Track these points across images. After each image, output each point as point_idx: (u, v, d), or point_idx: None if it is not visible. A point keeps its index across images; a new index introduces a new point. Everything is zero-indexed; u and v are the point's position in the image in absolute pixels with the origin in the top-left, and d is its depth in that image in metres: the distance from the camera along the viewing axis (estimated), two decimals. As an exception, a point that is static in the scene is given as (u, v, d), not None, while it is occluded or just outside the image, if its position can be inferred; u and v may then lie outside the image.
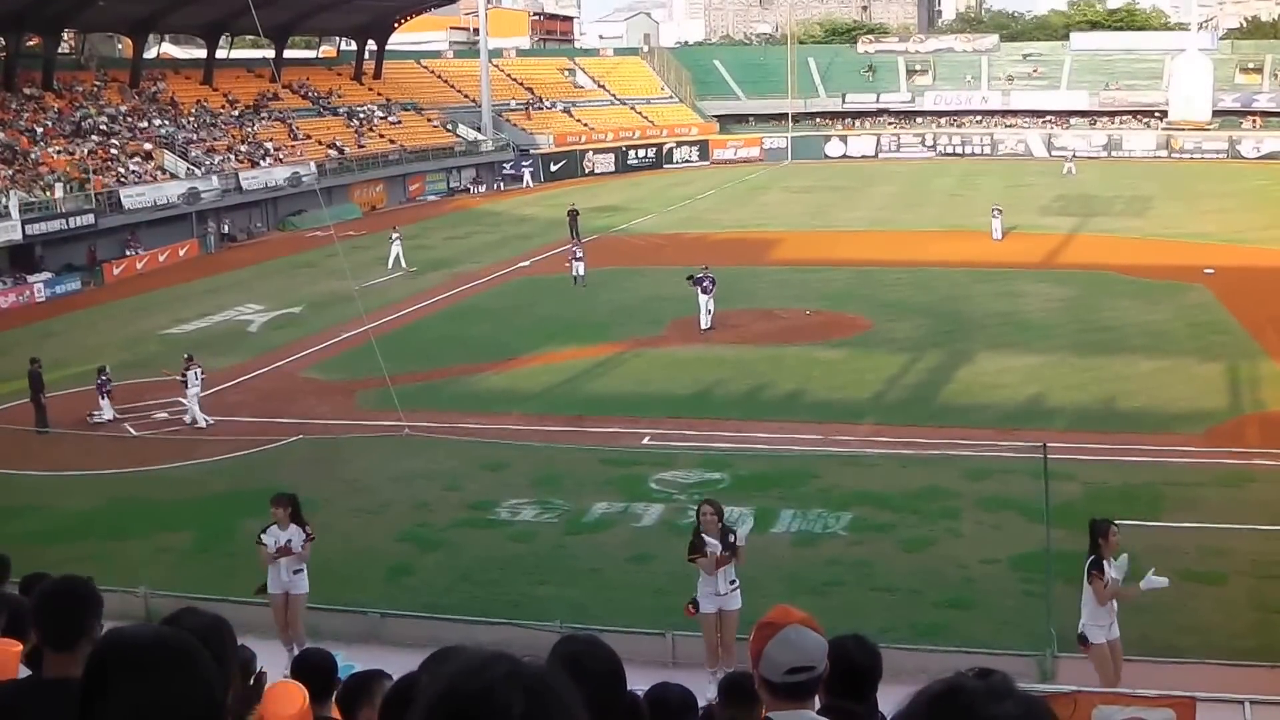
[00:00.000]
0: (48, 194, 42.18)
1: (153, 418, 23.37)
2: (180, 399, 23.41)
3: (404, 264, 40.51)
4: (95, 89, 54.16)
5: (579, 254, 37.06)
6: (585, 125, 77.06)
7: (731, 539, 11.46)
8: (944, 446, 19.99)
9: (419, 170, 64.56)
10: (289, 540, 12.16)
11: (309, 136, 59.79)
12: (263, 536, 12.32)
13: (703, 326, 29.22)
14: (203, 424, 22.80)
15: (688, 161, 77.77)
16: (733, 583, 11.47)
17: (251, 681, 4.63)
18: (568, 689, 1.72)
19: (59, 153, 45.91)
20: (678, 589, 11.87)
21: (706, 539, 11.44)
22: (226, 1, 51.72)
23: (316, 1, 60.54)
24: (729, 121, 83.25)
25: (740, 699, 4.88)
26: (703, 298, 29.29)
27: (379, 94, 69.76)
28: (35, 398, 23.14)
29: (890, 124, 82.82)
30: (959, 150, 78.92)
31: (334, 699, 5.11)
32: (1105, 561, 10.45)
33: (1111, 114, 79.20)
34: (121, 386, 24.28)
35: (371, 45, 70.61)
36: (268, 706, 4.47)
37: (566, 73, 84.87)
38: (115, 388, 23.72)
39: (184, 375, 23.04)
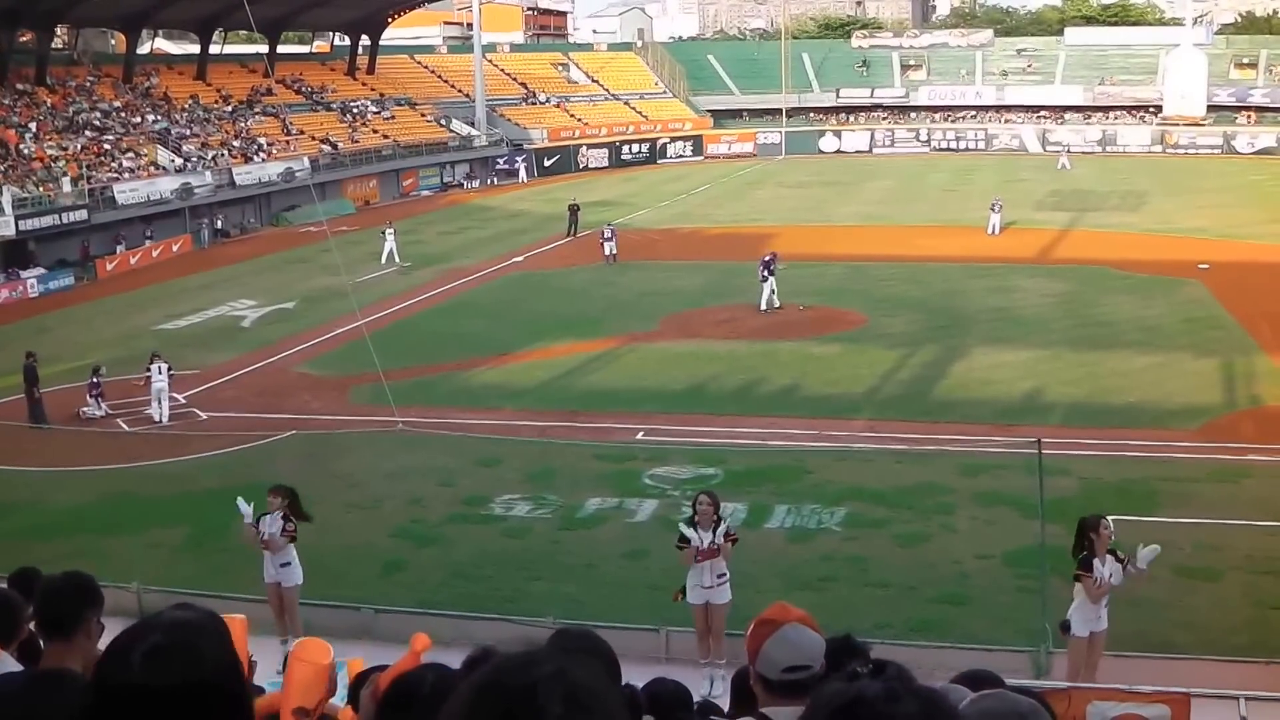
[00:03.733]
0: (41, 189, 42.03)
1: (144, 413, 23.30)
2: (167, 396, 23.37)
3: (397, 259, 40.43)
4: (88, 84, 53.98)
5: (607, 234, 39.24)
6: (579, 120, 76.99)
7: (722, 532, 11.33)
8: (938, 442, 19.98)
9: (412, 165, 64.47)
10: (270, 532, 12.21)
11: (302, 132, 59.66)
12: (260, 521, 12.33)
13: (763, 308, 30.26)
14: (157, 418, 22.85)
15: (681, 156, 77.72)
16: (720, 576, 11.32)
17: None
18: (610, 690, 1.69)
19: (53, 149, 45.76)
20: (671, 584, 11.83)
21: (695, 530, 11.28)
22: (220, -4, 51.66)
23: (310, -4, 60.49)
24: (723, 116, 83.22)
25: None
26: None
27: (372, 89, 69.64)
28: (29, 392, 23.06)
29: (884, 119, 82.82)
30: (953, 145, 78.88)
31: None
32: (1096, 559, 10.40)
33: (1106, 109, 79.21)
34: (114, 383, 24.14)
35: (365, 40, 70.48)
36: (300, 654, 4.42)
37: (560, 68, 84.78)
38: (106, 386, 23.58)
39: (146, 370, 23.09)
